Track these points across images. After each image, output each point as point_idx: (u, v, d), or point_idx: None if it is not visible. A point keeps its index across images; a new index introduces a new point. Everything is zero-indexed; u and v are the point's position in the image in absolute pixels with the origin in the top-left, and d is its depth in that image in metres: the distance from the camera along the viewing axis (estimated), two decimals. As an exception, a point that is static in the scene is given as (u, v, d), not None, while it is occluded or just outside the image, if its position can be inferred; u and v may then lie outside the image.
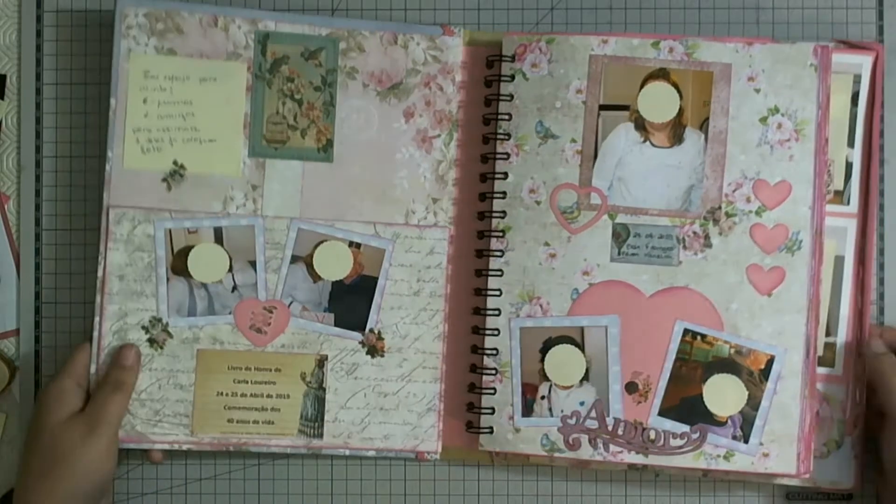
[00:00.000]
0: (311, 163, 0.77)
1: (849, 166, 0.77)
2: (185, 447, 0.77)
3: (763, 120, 0.74)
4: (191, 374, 0.77)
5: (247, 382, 0.77)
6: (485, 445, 0.76)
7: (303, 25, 0.77)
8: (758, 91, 0.74)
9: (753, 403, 0.74)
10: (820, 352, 0.76)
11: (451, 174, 0.78)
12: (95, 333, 0.76)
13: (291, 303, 0.77)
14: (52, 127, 0.81)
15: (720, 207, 0.74)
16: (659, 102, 0.75)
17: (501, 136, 0.77)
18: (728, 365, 0.74)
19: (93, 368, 0.76)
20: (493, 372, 0.76)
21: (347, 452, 0.78)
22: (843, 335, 0.77)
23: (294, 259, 0.77)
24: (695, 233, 0.74)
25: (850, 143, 0.76)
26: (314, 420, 0.77)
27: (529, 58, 0.76)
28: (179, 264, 0.76)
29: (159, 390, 0.77)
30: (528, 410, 0.76)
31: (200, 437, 0.77)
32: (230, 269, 0.77)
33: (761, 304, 0.74)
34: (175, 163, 0.77)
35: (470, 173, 0.78)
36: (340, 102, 0.77)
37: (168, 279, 0.76)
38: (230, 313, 0.77)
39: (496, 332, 0.76)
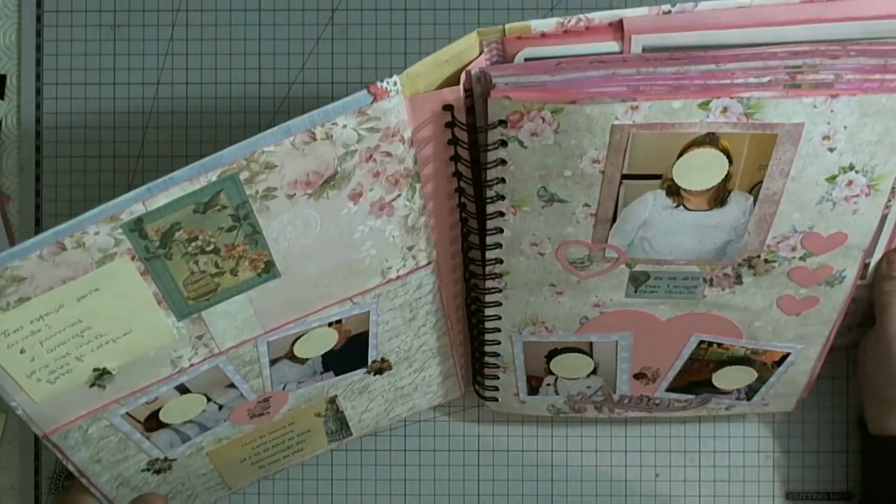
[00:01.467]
0: (256, 289, 0.62)
1: None
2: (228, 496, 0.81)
3: (831, 179, 0.59)
4: (209, 466, 0.76)
5: (266, 443, 0.76)
6: (492, 408, 0.78)
7: (180, 186, 0.55)
8: (832, 150, 0.57)
9: (762, 380, 0.74)
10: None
11: (422, 219, 0.65)
12: (98, 495, 0.72)
13: (286, 385, 0.71)
14: (52, 127, 0.81)
15: (759, 256, 0.64)
16: (701, 170, 0.58)
17: (493, 198, 0.61)
18: (741, 360, 0.72)
19: None
20: (496, 366, 0.74)
21: (377, 432, 0.81)
22: (878, 255, 0.71)
23: (273, 362, 0.68)
24: (725, 275, 0.65)
25: None
26: (340, 430, 0.79)
27: (528, 126, 0.57)
28: (153, 424, 0.68)
29: (183, 485, 0.76)
30: (533, 392, 0.76)
31: (239, 487, 0.80)
32: (209, 400, 0.68)
33: (787, 322, 0.69)
34: (95, 370, 0.62)
35: (446, 205, 0.66)
36: (266, 226, 0.59)
37: (148, 438, 0.69)
38: (226, 421, 0.71)
39: (497, 343, 0.72)
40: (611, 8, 0.69)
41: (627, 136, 0.57)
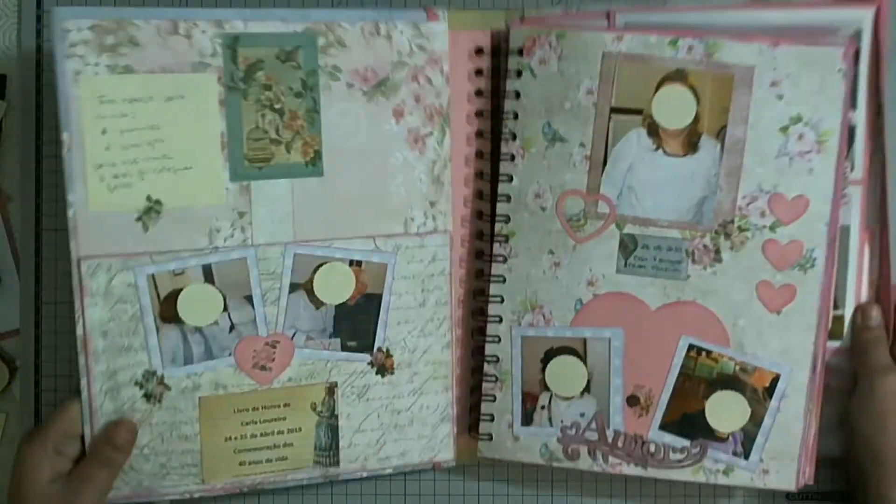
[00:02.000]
0: (299, 179, 0.75)
1: (851, 129, 0.76)
2: (197, 495, 0.77)
3: (784, 130, 0.72)
4: (195, 424, 0.76)
5: (255, 423, 0.77)
6: (484, 452, 0.79)
7: (275, 22, 0.74)
8: (780, 98, 0.72)
9: (756, 420, 0.75)
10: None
11: (446, 173, 0.78)
12: (84, 394, 0.74)
13: (295, 334, 0.77)
14: (52, 127, 0.81)
15: (733, 221, 0.73)
16: (674, 107, 0.74)
17: (507, 136, 0.75)
18: (732, 382, 0.75)
19: (87, 430, 0.74)
20: (494, 379, 0.78)
21: (364, 475, 0.79)
22: (850, 307, 0.78)
23: (293, 287, 0.76)
24: (705, 246, 0.74)
25: (853, 105, 0.75)
26: (329, 449, 0.78)
27: (538, 53, 0.74)
28: (168, 311, 0.74)
29: (162, 443, 0.76)
30: (527, 420, 0.77)
31: (213, 483, 0.77)
32: (225, 309, 0.75)
33: (770, 322, 0.74)
34: (149, 198, 0.73)
35: (467, 169, 0.77)
36: (325, 108, 0.75)
37: (158, 329, 0.74)
38: (230, 355, 0.76)
39: (497, 339, 0.77)
40: None
41: (614, 65, 0.73)
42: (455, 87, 0.77)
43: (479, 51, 0.78)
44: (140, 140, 0.72)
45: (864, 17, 0.76)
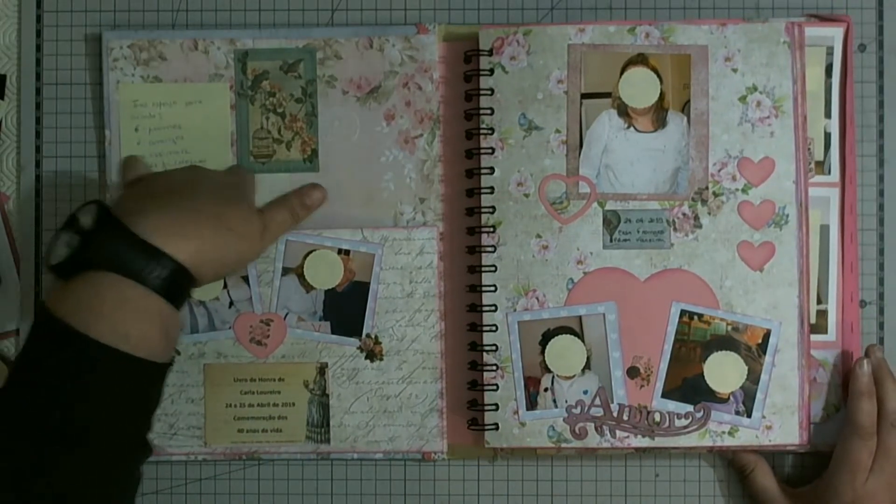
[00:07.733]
0: (298, 174, 0.85)
1: (827, 136, 0.85)
2: (200, 457, 0.87)
3: (742, 99, 0.80)
4: (200, 388, 0.87)
5: (253, 393, 0.86)
6: (491, 442, 0.81)
7: (279, 40, 0.86)
8: (735, 71, 0.80)
9: (753, 378, 0.80)
10: (812, 320, 0.84)
11: (436, 172, 0.84)
12: None
13: (287, 314, 0.86)
14: (52, 127, 0.87)
15: (707, 188, 0.79)
16: (640, 88, 0.81)
17: (485, 131, 0.80)
18: (726, 342, 0.80)
19: None
20: (494, 368, 0.80)
21: (355, 456, 0.86)
22: (833, 302, 0.84)
23: (285, 271, 0.86)
24: (684, 214, 0.79)
25: (828, 115, 0.83)
26: (320, 426, 0.85)
27: (508, 51, 0.81)
28: None
29: (172, 405, 0.87)
30: (532, 404, 0.80)
31: (214, 447, 0.87)
32: (225, 286, 0.86)
33: (754, 280, 0.80)
34: None
35: (456, 170, 0.85)
36: (322, 112, 0.86)
37: None
38: (230, 328, 0.87)
39: (494, 328, 0.81)
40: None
41: (580, 54, 0.80)
42: (448, 91, 0.85)
43: (467, 58, 0.85)
44: (164, 137, 0.86)
45: (835, 34, 0.84)
